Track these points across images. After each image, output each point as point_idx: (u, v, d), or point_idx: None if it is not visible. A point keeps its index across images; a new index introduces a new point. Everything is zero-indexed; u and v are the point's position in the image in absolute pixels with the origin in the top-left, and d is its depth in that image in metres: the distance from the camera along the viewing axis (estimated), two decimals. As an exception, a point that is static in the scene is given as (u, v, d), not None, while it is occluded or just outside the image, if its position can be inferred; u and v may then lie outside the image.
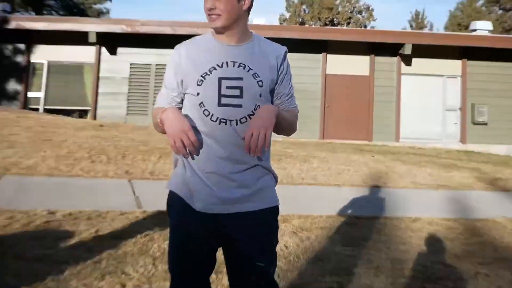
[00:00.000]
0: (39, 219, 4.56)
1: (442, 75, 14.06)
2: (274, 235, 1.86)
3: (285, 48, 1.91)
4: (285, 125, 1.82)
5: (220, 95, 1.73)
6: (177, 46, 1.87)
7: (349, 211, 5.62)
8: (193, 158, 1.74)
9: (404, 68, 13.99)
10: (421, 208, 5.91)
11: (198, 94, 1.74)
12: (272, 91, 1.85)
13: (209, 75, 1.74)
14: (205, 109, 1.74)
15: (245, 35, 1.84)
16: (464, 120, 13.99)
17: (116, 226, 4.51)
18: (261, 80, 1.78)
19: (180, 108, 1.83)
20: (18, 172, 6.12)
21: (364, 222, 5.14)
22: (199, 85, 1.74)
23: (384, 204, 6.12)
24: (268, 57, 1.85)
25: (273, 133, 1.77)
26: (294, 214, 5.11)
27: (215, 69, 1.75)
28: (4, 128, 8.47)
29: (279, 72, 1.85)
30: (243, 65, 1.77)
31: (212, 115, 1.72)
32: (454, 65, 14.07)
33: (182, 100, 1.85)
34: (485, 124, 13.70)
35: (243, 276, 1.81)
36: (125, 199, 5.53)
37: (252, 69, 1.77)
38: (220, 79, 1.74)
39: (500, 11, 35.46)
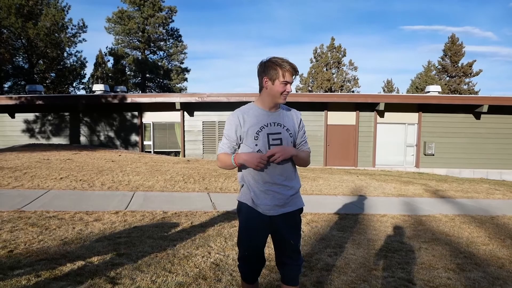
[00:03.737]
0: (158, 216, 5.40)
1: (404, 123, 16.40)
2: (300, 225, 2.41)
3: (300, 113, 2.47)
4: (301, 160, 2.35)
5: (269, 144, 2.27)
6: (235, 112, 2.31)
7: (342, 210, 6.34)
8: (270, 164, 2.24)
9: (379, 119, 16.34)
10: (387, 208, 6.72)
11: (256, 145, 2.25)
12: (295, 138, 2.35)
13: (261, 131, 2.26)
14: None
15: (277, 105, 2.33)
16: (418, 152, 16.36)
17: (202, 220, 5.25)
18: (291, 133, 2.33)
19: (235, 151, 2.34)
20: (143, 189, 7.19)
21: (351, 217, 5.90)
22: (255, 139, 2.25)
23: (364, 205, 6.88)
24: (293, 118, 2.39)
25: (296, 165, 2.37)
26: (308, 212, 5.93)
27: (264, 128, 2.26)
28: (132, 164, 10.35)
29: (299, 127, 2.40)
30: (280, 124, 2.30)
31: None
32: (413, 116, 16.32)
33: (238, 146, 2.34)
34: (433, 155, 16.23)
35: (283, 248, 2.36)
36: (206, 204, 6.31)
37: (285, 126, 2.32)
38: (268, 134, 2.27)
39: (447, 78, 39.32)
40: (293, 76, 2.26)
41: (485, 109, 15.76)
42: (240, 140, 2.32)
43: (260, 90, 2.33)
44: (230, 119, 2.32)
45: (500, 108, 16.05)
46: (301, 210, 2.42)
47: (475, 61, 39.43)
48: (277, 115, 2.35)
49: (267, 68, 2.25)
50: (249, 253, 2.37)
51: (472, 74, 39.77)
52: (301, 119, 2.46)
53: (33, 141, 16.57)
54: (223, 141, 2.37)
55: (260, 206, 2.29)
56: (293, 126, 2.38)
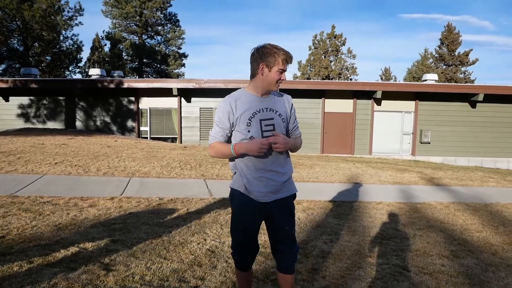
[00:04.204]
0: (154, 202, 5.41)
1: (401, 111, 16.63)
2: (294, 211, 2.41)
3: (290, 96, 2.44)
4: (293, 147, 2.35)
5: (262, 130, 2.25)
6: (226, 99, 2.26)
7: (338, 198, 6.43)
8: (272, 149, 2.21)
9: (376, 107, 16.55)
10: (383, 196, 6.82)
11: (249, 131, 2.22)
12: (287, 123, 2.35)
13: (253, 117, 2.23)
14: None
15: (269, 91, 2.31)
16: (415, 140, 16.59)
17: (198, 207, 5.27)
18: (283, 118, 2.31)
19: (229, 138, 2.31)
20: (139, 175, 7.22)
21: (347, 204, 5.97)
22: (248, 125, 2.22)
23: (359, 193, 6.97)
24: (284, 103, 2.36)
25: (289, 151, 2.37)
26: (304, 199, 5.99)
27: (256, 113, 2.24)
28: (128, 149, 10.28)
29: (290, 112, 2.39)
30: (272, 110, 2.28)
31: None
32: (409, 104, 16.52)
33: (231, 134, 2.30)
34: (429, 143, 16.44)
35: (277, 235, 2.36)
36: (202, 191, 6.36)
37: (278, 111, 2.29)
38: (260, 120, 2.24)
39: (444, 66, 39.07)
40: (288, 65, 2.24)
41: (480, 97, 15.91)
42: (233, 127, 2.28)
43: (253, 76, 2.27)
44: (221, 106, 2.27)
45: (495, 97, 16.23)
46: (294, 196, 2.40)
47: (471, 50, 39.38)
48: (269, 101, 2.31)
49: (265, 55, 2.19)
50: (242, 240, 2.36)
51: (468, 63, 39.71)
52: (292, 104, 2.43)
53: (28, 125, 16.52)
54: (215, 129, 2.32)
55: (253, 192, 2.26)
56: (285, 111, 2.35)
